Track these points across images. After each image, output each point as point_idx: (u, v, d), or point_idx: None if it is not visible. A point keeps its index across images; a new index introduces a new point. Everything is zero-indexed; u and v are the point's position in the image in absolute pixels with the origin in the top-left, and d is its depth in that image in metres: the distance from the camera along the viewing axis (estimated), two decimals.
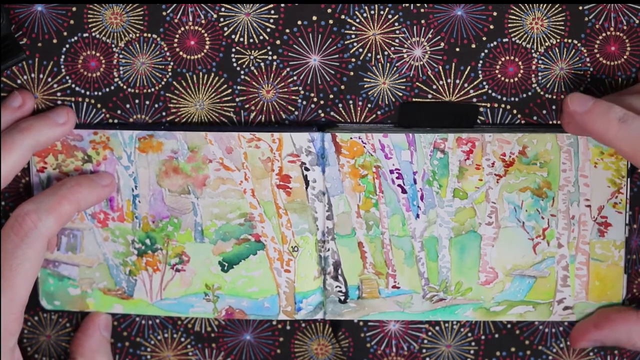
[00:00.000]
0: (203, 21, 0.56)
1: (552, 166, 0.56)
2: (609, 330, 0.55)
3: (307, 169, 0.56)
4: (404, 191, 0.57)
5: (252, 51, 0.57)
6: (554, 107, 0.57)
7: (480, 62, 0.56)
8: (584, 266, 0.57)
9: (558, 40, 0.56)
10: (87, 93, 0.57)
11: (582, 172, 0.56)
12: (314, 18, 0.56)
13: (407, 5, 0.56)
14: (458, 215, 0.57)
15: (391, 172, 0.56)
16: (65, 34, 0.57)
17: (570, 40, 0.56)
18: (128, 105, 0.57)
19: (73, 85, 0.57)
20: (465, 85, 0.56)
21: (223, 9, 0.56)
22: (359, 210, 0.57)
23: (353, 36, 0.56)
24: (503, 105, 0.57)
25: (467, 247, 0.57)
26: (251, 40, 0.57)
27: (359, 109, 0.57)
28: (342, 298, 0.58)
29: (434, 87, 0.57)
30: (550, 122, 0.57)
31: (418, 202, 0.57)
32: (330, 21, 0.56)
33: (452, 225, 0.57)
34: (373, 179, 0.56)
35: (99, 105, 0.57)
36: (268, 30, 0.56)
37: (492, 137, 0.56)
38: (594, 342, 0.56)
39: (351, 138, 0.56)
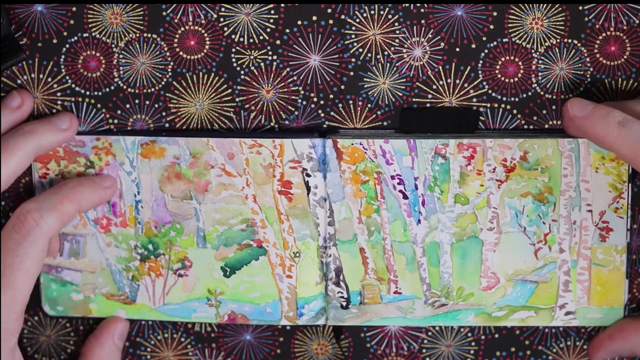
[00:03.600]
0: (203, 21, 0.56)
1: (553, 171, 0.56)
2: (623, 340, 0.56)
3: (308, 175, 0.56)
4: (405, 197, 0.57)
5: (252, 51, 0.57)
6: (554, 107, 0.57)
7: (480, 62, 0.56)
8: (586, 271, 0.57)
9: (558, 40, 0.56)
10: (87, 93, 0.57)
11: (584, 177, 0.56)
12: (314, 18, 0.56)
13: (407, 5, 0.56)
14: (459, 220, 0.57)
15: (392, 177, 0.56)
16: (65, 34, 0.57)
17: (570, 40, 0.56)
18: (128, 106, 0.57)
19: (73, 85, 0.57)
20: (465, 85, 0.56)
21: (223, 9, 0.56)
22: (360, 216, 0.57)
23: (353, 36, 0.56)
24: (503, 106, 0.57)
25: (469, 253, 0.57)
26: (251, 40, 0.57)
27: (359, 109, 0.57)
28: (344, 304, 0.58)
29: (434, 87, 0.57)
30: (550, 122, 0.57)
31: (419, 207, 0.57)
32: (330, 21, 0.56)
33: (453, 231, 0.57)
34: (374, 185, 0.56)
35: (99, 105, 0.57)
36: (268, 30, 0.56)
37: (493, 143, 0.56)
38: (611, 353, 0.56)
39: (352, 144, 0.56)
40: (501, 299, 0.57)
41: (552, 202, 0.56)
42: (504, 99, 0.56)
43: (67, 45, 0.57)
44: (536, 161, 0.56)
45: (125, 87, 0.57)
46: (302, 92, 0.57)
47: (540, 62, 0.56)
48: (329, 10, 0.56)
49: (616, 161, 0.56)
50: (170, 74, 0.57)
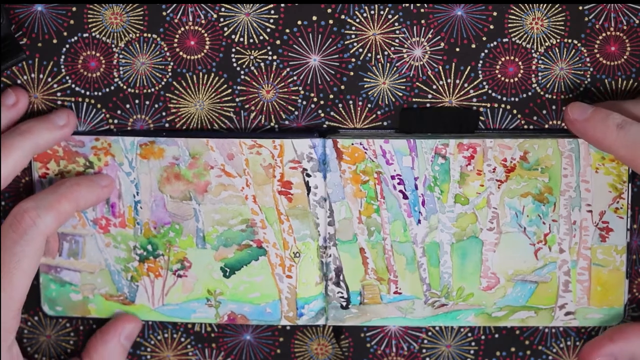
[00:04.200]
0: (203, 21, 0.56)
1: (553, 171, 0.56)
2: (624, 343, 0.55)
3: (308, 175, 0.56)
4: (405, 197, 0.57)
5: (252, 51, 0.57)
6: (554, 107, 0.57)
7: (480, 62, 0.56)
8: (586, 271, 0.57)
9: (558, 40, 0.56)
10: (87, 93, 0.57)
11: (584, 177, 0.56)
12: (314, 18, 0.56)
13: (407, 5, 0.56)
14: (459, 220, 0.57)
15: (392, 177, 0.56)
16: (65, 34, 0.57)
17: (570, 40, 0.56)
18: (128, 106, 0.57)
19: (73, 86, 0.57)
20: (465, 85, 0.56)
21: (223, 9, 0.56)
22: (360, 216, 0.57)
23: (353, 36, 0.56)
24: (503, 106, 0.57)
25: (469, 253, 0.57)
26: (251, 40, 0.57)
27: (359, 109, 0.57)
28: (344, 304, 0.58)
29: (434, 87, 0.57)
30: (550, 122, 0.57)
31: (419, 207, 0.57)
32: (330, 21, 0.56)
33: (453, 231, 0.57)
34: (374, 185, 0.56)
35: (99, 106, 0.57)
36: (268, 30, 0.56)
37: (493, 143, 0.56)
38: (608, 356, 0.56)
39: (352, 144, 0.56)
40: (501, 299, 0.57)
41: (552, 202, 0.56)
42: (504, 99, 0.56)
43: (67, 45, 0.57)
44: (536, 161, 0.56)
45: (125, 87, 0.57)
46: (302, 92, 0.57)
47: (540, 62, 0.56)
48: (329, 10, 0.56)
49: (616, 161, 0.56)
50: (170, 74, 0.57)
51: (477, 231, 0.57)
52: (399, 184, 0.56)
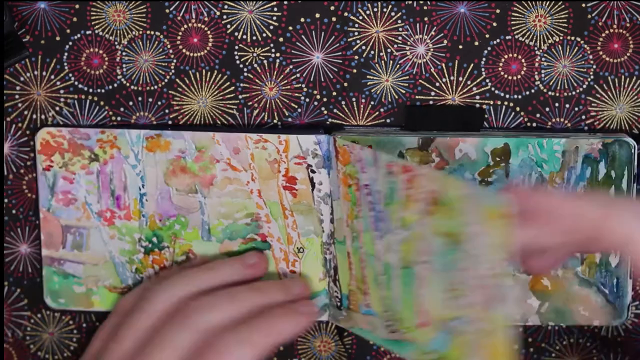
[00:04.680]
0: (206, 18, 0.56)
1: (459, 215, 0.47)
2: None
3: (313, 171, 0.56)
4: (371, 209, 0.53)
5: (255, 49, 0.57)
6: (557, 104, 0.57)
7: (483, 59, 0.56)
8: (486, 336, 0.47)
9: (561, 38, 0.56)
10: (90, 90, 0.57)
11: (480, 230, 0.46)
12: (317, 15, 0.56)
13: (410, 2, 0.56)
14: (403, 246, 0.51)
15: (365, 186, 0.53)
16: (68, 31, 0.57)
17: (573, 38, 0.56)
18: (131, 103, 0.57)
19: (76, 83, 0.57)
20: (468, 82, 0.56)
21: (226, 7, 0.56)
22: (347, 219, 0.55)
23: (356, 33, 0.56)
24: (506, 103, 0.56)
25: (409, 283, 0.51)
26: (254, 38, 0.57)
27: (362, 106, 0.57)
28: (338, 304, 0.57)
29: (437, 84, 0.57)
30: (554, 120, 0.57)
31: (379, 223, 0.52)
32: (333, 18, 0.56)
33: (399, 256, 0.51)
34: (355, 190, 0.54)
35: (102, 103, 0.57)
36: (271, 27, 0.56)
37: (424, 171, 0.49)
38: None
39: (343, 145, 0.54)
40: (431, 341, 0.51)
41: (460, 250, 0.47)
42: (507, 96, 0.56)
43: (70, 43, 0.57)
44: (450, 200, 0.48)
45: (128, 84, 0.57)
46: (305, 89, 0.57)
47: (543, 59, 0.56)
48: (332, 8, 0.56)
49: (500, 220, 0.45)
50: (173, 71, 0.57)
51: (413, 261, 0.51)
52: (368, 194, 0.53)
